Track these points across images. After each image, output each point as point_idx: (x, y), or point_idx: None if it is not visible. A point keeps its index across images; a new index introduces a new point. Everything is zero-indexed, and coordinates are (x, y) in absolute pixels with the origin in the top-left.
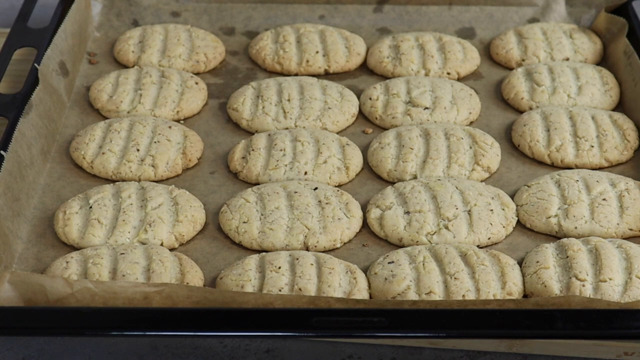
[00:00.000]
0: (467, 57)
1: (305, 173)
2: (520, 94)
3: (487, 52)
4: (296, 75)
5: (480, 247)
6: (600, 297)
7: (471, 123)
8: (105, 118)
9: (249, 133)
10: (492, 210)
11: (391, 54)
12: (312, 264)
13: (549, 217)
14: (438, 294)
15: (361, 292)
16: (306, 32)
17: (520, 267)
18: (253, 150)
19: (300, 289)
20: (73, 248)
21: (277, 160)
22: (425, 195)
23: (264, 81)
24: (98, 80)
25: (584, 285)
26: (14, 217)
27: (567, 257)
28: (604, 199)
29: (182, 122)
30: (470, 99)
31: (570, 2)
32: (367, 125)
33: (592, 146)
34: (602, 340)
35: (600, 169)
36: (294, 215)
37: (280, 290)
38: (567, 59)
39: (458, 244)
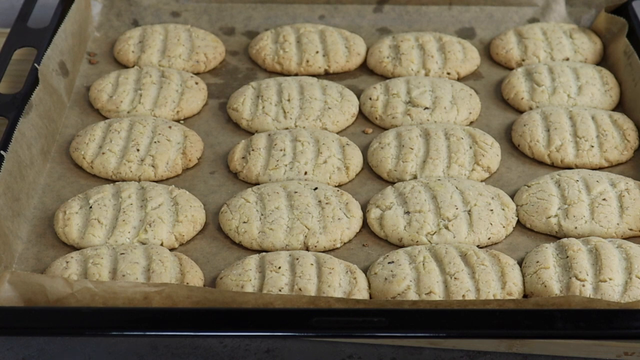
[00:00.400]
0: (467, 57)
1: (305, 173)
2: (520, 94)
3: (487, 52)
4: (296, 75)
5: (480, 247)
6: (600, 297)
7: (471, 123)
8: (105, 118)
9: (249, 133)
10: (492, 210)
11: (391, 54)
12: (312, 264)
13: (549, 217)
14: (438, 294)
15: (361, 292)
16: (306, 32)
17: (520, 267)
18: (253, 150)
19: (300, 289)
20: (73, 248)
21: (277, 160)
22: (425, 195)
23: (264, 81)
24: (98, 80)
25: (584, 285)
26: (14, 217)
27: (567, 257)
28: (604, 199)
29: (182, 122)
30: (470, 99)
31: (570, 2)
32: (367, 125)
33: (592, 146)
34: (602, 340)
35: (600, 169)
36: (294, 215)
37: (280, 290)
38: (567, 59)
39: (458, 244)
